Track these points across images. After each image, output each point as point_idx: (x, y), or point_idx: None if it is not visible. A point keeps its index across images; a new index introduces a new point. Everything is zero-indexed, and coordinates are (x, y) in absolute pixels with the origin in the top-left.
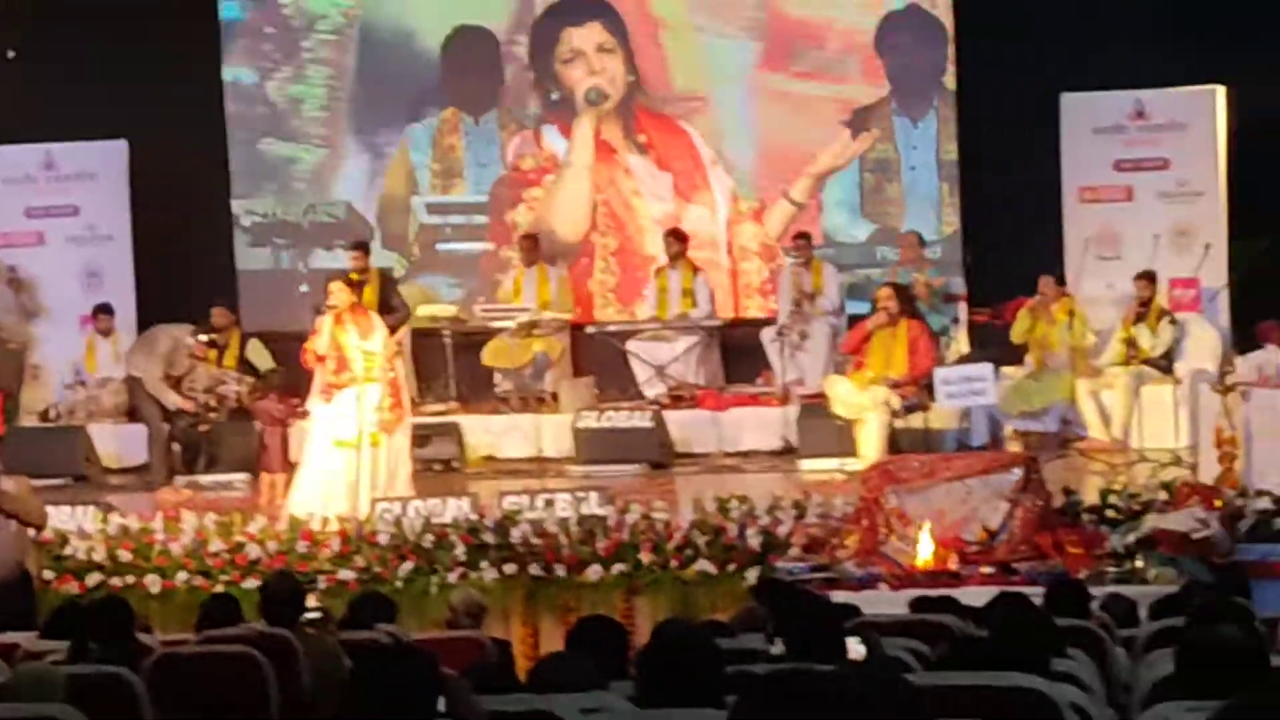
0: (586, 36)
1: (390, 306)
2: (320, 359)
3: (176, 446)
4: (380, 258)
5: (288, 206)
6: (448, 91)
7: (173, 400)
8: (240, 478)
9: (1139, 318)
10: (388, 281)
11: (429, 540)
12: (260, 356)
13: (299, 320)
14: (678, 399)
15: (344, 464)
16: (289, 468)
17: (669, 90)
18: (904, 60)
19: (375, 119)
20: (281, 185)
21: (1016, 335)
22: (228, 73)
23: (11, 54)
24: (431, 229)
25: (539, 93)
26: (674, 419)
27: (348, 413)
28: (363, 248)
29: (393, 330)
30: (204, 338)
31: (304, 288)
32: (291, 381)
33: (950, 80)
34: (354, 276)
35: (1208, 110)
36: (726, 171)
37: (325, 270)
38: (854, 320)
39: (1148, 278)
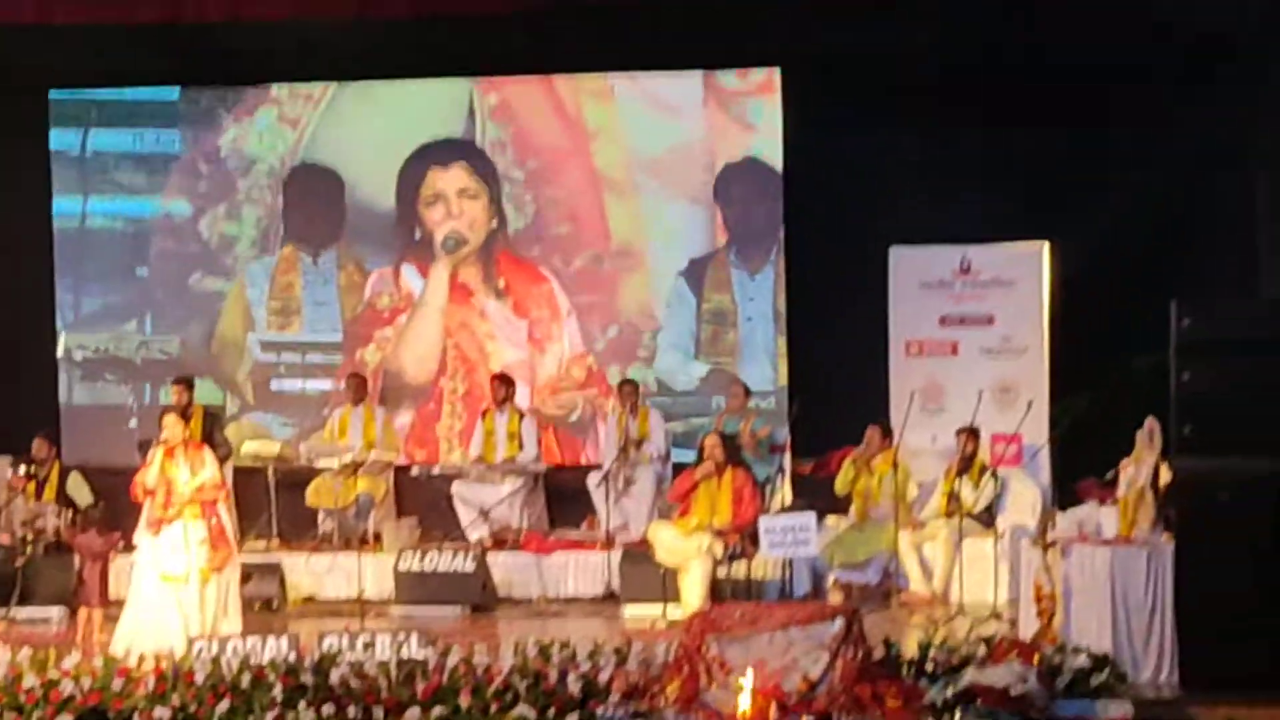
0: (450, 179)
1: (212, 443)
2: (149, 492)
3: None
4: (212, 394)
5: (120, 342)
6: (288, 228)
7: None
8: (56, 612)
9: (961, 471)
10: (211, 418)
11: (246, 680)
12: (80, 490)
13: (125, 455)
14: (501, 542)
15: (171, 599)
16: (107, 602)
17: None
18: (742, 212)
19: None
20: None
21: (840, 486)
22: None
23: None
24: (265, 366)
25: (401, 231)
26: (497, 562)
27: (176, 547)
28: (185, 382)
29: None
30: (22, 470)
31: (133, 423)
32: (113, 515)
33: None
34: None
35: (1033, 267)
36: (579, 323)
37: (157, 406)
38: (680, 467)
39: (970, 433)
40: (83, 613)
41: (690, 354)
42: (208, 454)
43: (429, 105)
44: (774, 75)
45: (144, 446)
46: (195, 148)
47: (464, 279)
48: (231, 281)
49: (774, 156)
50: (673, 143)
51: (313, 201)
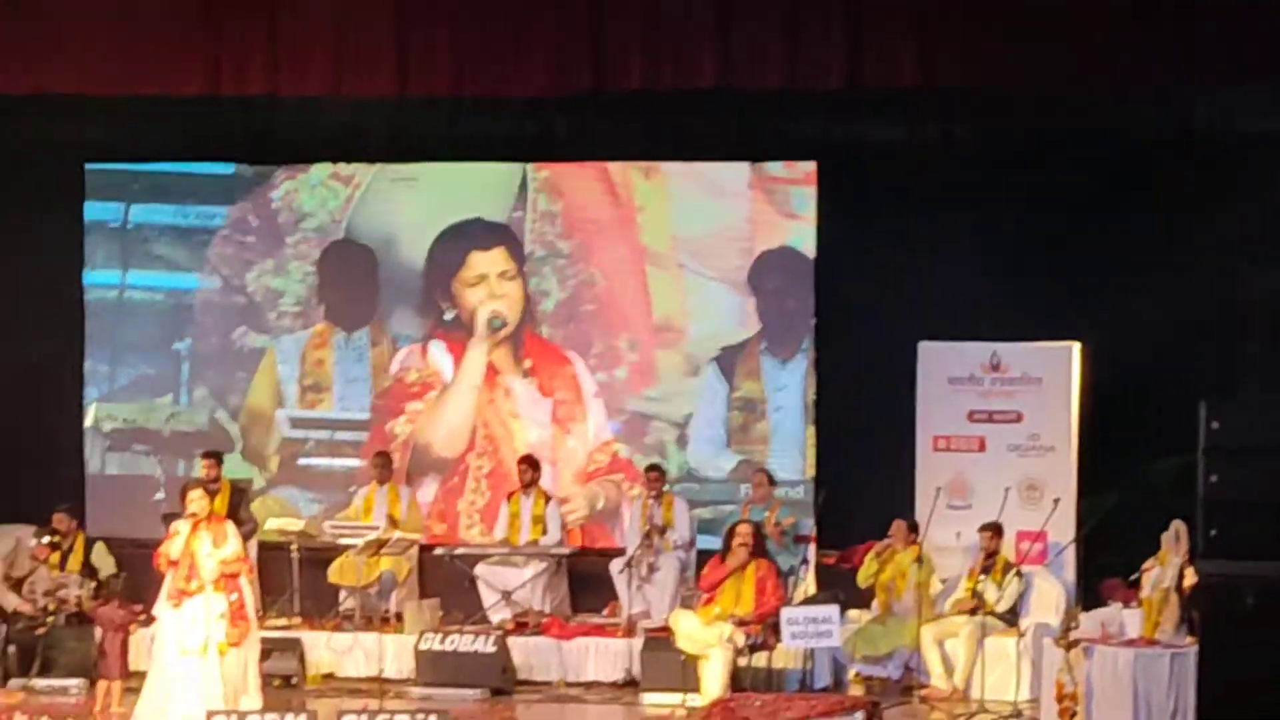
0: (491, 261)
1: (238, 518)
2: (172, 564)
3: (12, 649)
4: (240, 469)
5: (149, 413)
6: (323, 303)
7: (11, 602)
8: (76, 683)
9: (985, 569)
10: (238, 493)
11: None
12: (104, 561)
13: (149, 527)
14: (522, 625)
15: (191, 673)
16: (127, 674)
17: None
18: (776, 300)
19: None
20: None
21: (863, 579)
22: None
23: None
24: (294, 442)
25: (431, 308)
26: (518, 645)
27: (196, 620)
28: (215, 456)
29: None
30: (46, 539)
31: (160, 495)
32: (135, 587)
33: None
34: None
35: (1063, 366)
36: (604, 405)
37: (183, 478)
38: (705, 555)
39: (994, 530)
40: (102, 685)
41: (722, 442)
42: (231, 528)
43: (475, 180)
44: (809, 167)
45: (169, 519)
46: (245, 204)
47: (493, 358)
48: (274, 339)
49: (810, 246)
50: (716, 224)
51: (348, 277)
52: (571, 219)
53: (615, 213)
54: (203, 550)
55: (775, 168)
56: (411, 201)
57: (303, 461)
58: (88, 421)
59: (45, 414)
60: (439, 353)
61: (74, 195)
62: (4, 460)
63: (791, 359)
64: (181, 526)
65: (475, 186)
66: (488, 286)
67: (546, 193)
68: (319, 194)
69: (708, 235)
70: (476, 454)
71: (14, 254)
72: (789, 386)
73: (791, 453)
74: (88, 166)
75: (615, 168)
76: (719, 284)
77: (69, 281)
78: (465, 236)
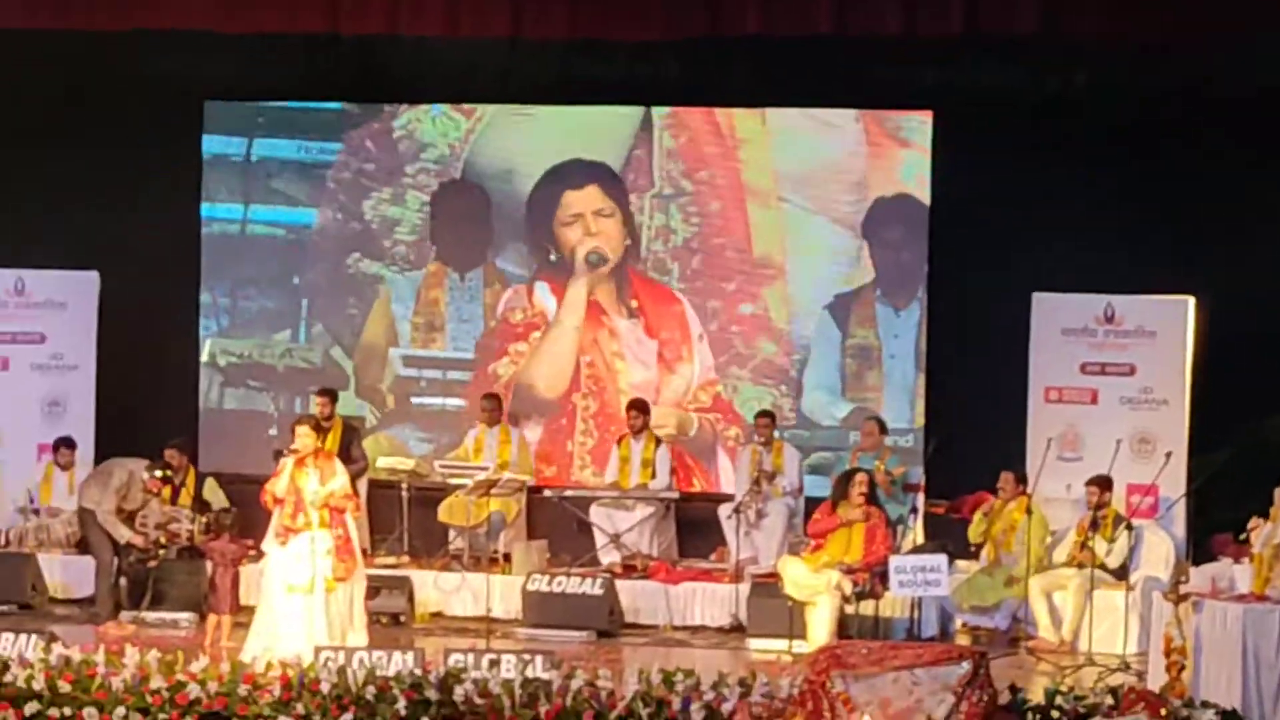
0: (585, 199)
1: (349, 457)
2: (278, 501)
3: (123, 581)
4: (353, 406)
5: (264, 349)
6: (436, 244)
7: (124, 534)
8: (186, 616)
9: (1094, 523)
10: (350, 431)
11: (371, 692)
12: (215, 497)
13: (261, 463)
14: (630, 568)
15: (297, 609)
16: (237, 609)
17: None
18: (891, 248)
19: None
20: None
21: (974, 535)
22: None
23: None
24: (406, 381)
25: (536, 252)
26: (625, 588)
27: (301, 557)
28: (329, 394)
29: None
30: (158, 473)
31: (273, 431)
32: (246, 523)
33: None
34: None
35: (1178, 320)
36: (710, 347)
37: (296, 415)
38: (813, 501)
39: (1101, 484)
40: (212, 619)
41: (836, 390)
42: (338, 465)
43: (591, 121)
44: (926, 116)
45: (278, 455)
46: (364, 132)
47: (597, 297)
48: (387, 267)
49: (924, 194)
50: (824, 162)
51: (462, 218)
52: (689, 159)
53: (720, 151)
54: (309, 487)
55: (887, 114)
56: (528, 140)
57: (415, 400)
58: (203, 357)
59: (161, 349)
60: (543, 294)
61: (193, 131)
62: (120, 394)
63: (906, 308)
64: (287, 463)
65: (591, 127)
66: (584, 224)
67: (670, 131)
68: (440, 125)
69: (816, 173)
70: (582, 394)
71: (133, 188)
72: (903, 335)
73: (902, 401)
74: (207, 102)
75: (728, 111)
76: (831, 226)
77: (186, 216)
78: (561, 177)
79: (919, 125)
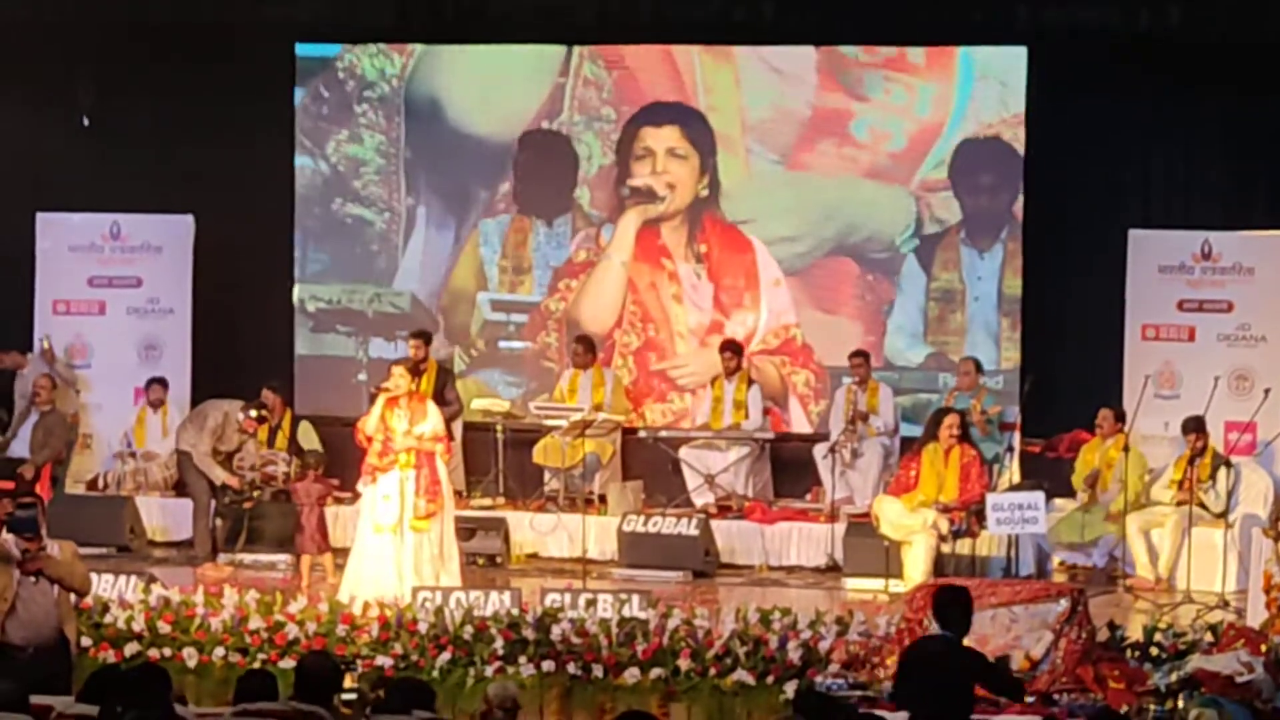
0: (661, 137)
1: (444, 399)
2: (368, 439)
3: (219, 522)
4: (442, 350)
5: (353, 294)
6: (518, 196)
7: (220, 475)
8: (283, 558)
9: (1192, 460)
10: (444, 374)
11: (469, 632)
12: (309, 439)
13: (353, 407)
14: (725, 509)
15: (383, 550)
16: (325, 549)
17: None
18: (978, 190)
19: (444, 207)
20: (349, 249)
21: (1077, 482)
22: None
23: (86, 121)
24: (495, 325)
25: (618, 188)
26: (720, 529)
27: (390, 498)
28: (424, 337)
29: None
30: (254, 413)
31: (362, 376)
32: (340, 466)
33: (1019, 211)
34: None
35: (1276, 256)
36: (788, 292)
37: (385, 360)
38: (908, 442)
39: (1196, 429)
40: (306, 559)
41: (919, 332)
42: (431, 407)
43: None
44: (1020, 53)
45: (374, 396)
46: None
47: (665, 240)
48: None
49: (1014, 135)
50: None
51: (545, 167)
52: (779, 106)
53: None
54: (400, 428)
55: (977, 53)
56: (613, 84)
57: (503, 344)
58: (295, 301)
59: (256, 292)
60: (608, 233)
61: (287, 75)
62: (215, 338)
63: (989, 250)
64: (379, 402)
65: (683, 69)
66: (652, 162)
67: (761, 74)
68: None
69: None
70: (623, 330)
71: (227, 133)
72: (986, 277)
73: (987, 344)
74: (298, 50)
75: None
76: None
77: (281, 160)
78: (643, 115)
79: (1013, 62)
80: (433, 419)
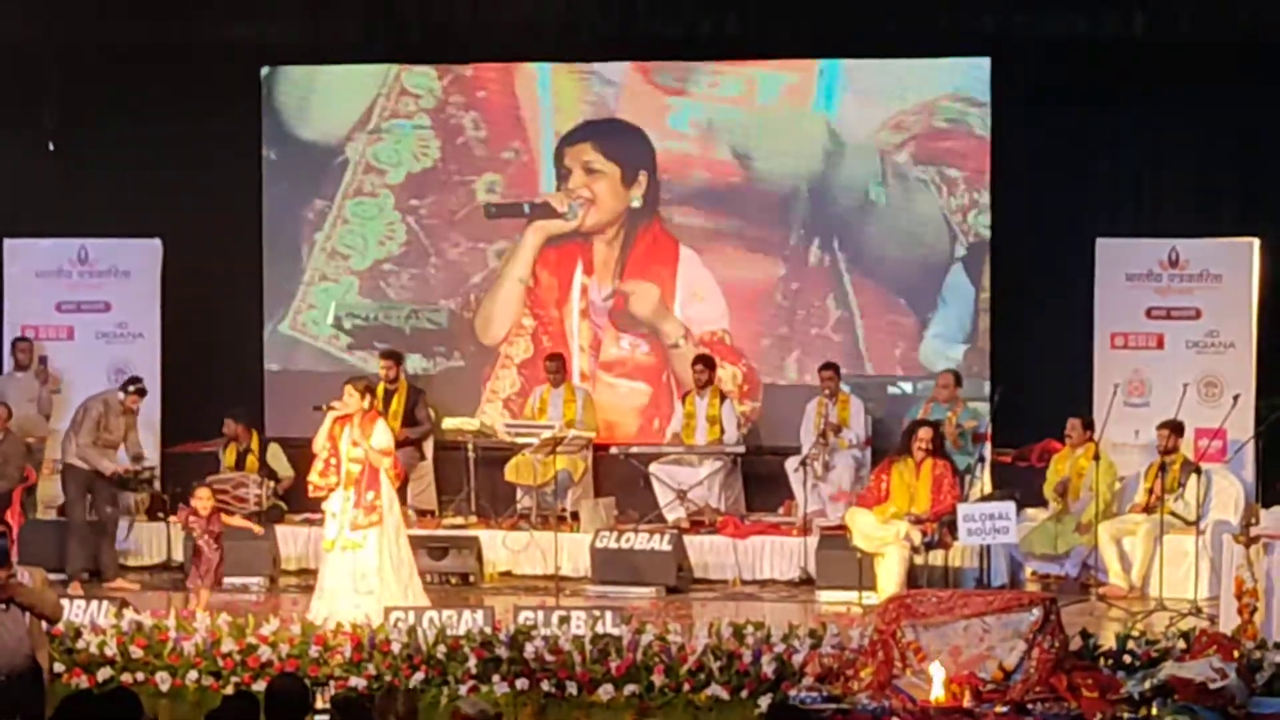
0: (575, 154)
1: (414, 419)
2: (313, 456)
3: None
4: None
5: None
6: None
7: (107, 466)
8: (256, 581)
9: (1162, 468)
10: (415, 394)
11: (442, 651)
12: (279, 462)
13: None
14: (698, 524)
15: (338, 566)
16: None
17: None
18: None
19: None
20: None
21: (1049, 492)
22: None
23: (51, 146)
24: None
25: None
26: (693, 544)
27: (334, 515)
28: (394, 357)
29: (411, 443)
30: (133, 389)
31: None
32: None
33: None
34: (384, 386)
35: (1243, 262)
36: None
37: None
38: (879, 455)
39: (1172, 428)
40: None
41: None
42: (380, 424)
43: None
44: (984, 63)
45: (318, 409)
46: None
47: (595, 254)
48: None
49: (979, 146)
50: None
51: None
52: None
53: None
54: (344, 446)
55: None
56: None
57: None
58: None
59: (226, 315)
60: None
61: (253, 97)
62: (188, 360)
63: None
64: (328, 419)
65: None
66: (570, 178)
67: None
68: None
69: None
70: (509, 343)
71: (194, 156)
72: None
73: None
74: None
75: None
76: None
77: (248, 183)
78: (570, 134)
79: (978, 72)
80: (379, 436)
